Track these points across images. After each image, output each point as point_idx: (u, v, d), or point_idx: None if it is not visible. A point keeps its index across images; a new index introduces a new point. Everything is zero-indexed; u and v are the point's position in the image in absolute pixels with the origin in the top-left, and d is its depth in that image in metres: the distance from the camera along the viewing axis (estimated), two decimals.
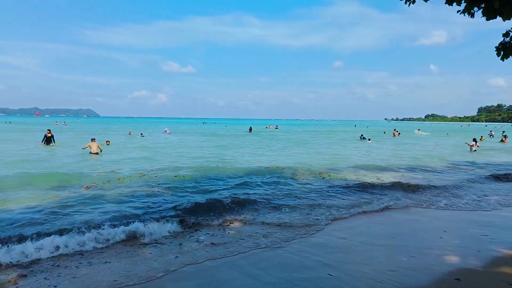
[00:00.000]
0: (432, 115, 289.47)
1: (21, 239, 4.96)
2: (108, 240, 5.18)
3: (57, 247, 4.76)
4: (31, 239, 4.90)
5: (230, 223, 6.24)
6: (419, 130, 50.09)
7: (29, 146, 20.49)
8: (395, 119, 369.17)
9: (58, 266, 4.36)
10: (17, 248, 4.61)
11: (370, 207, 7.56)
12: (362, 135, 33.85)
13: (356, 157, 17.46)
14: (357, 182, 10.10)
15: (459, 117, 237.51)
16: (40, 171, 11.20)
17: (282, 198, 8.22)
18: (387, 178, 11.11)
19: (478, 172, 13.00)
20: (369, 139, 31.14)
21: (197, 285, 3.91)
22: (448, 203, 8.08)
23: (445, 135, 44.33)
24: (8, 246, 4.63)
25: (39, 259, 4.49)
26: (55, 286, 3.82)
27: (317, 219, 6.57)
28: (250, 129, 49.90)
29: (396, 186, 9.64)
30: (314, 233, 5.76)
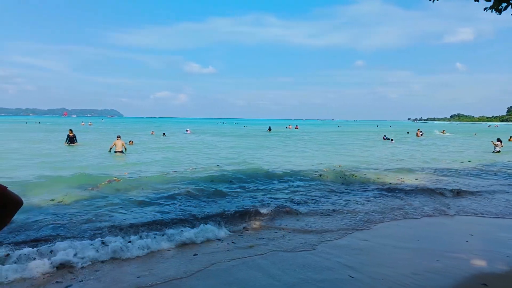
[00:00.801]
0: (458, 115, 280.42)
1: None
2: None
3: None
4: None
5: (254, 226, 6.22)
6: (443, 130, 48.49)
7: (55, 145, 21.19)
8: (418, 119, 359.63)
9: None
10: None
11: (401, 213, 7.28)
12: (385, 135, 33.21)
13: (382, 159, 16.97)
14: (387, 186, 9.82)
15: (487, 117, 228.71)
16: (72, 171, 11.54)
17: (309, 202, 8.08)
18: (413, 180, 10.80)
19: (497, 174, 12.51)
20: (391, 139, 30.57)
21: (218, 284, 3.96)
22: (474, 207, 7.80)
23: (472, 136, 42.78)
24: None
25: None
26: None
27: (346, 225, 6.50)
28: (269, 129, 50.01)
29: (422, 189, 9.34)
30: (339, 238, 5.67)
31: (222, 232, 5.70)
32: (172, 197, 8.03)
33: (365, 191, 9.30)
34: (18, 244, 4.89)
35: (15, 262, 4.24)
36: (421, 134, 37.99)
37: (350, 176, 11.16)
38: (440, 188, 9.52)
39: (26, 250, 4.56)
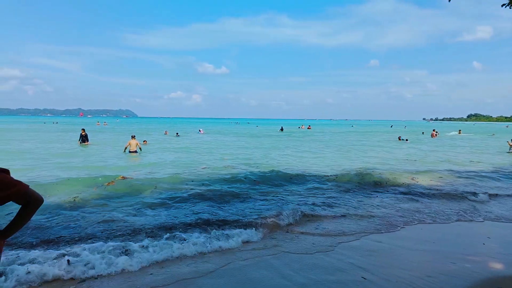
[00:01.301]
0: (475, 115, 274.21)
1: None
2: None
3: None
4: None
5: (267, 227, 6.22)
6: (460, 130, 47.42)
7: (71, 145, 21.68)
8: (434, 119, 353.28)
9: None
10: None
11: (416, 215, 7.12)
12: (400, 136, 32.77)
13: (397, 160, 16.64)
14: (403, 188, 9.66)
15: (506, 117, 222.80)
16: (87, 171, 11.76)
17: (323, 204, 8.00)
18: (429, 182, 10.60)
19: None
20: (406, 139, 30.19)
21: (230, 283, 4.00)
22: (491, 210, 7.62)
23: (490, 136, 41.74)
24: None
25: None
26: None
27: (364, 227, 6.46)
28: (281, 129, 50.03)
29: (438, 192, 9.16)
30: (353, 239, 5.63)
31: (244, 235, 5.70)
32: (187, 199, 7.95)
33: (381, 192, 9.17)
34: (47, 243, 5.05)
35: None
36: (437, 135, 37.28)
37: (365, 177, 10.91)
38: (456, 190, 9.35)
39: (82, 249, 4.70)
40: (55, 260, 4.26)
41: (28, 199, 1.96)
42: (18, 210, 1.99)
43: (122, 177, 9.53)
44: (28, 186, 1.98)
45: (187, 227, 5.88)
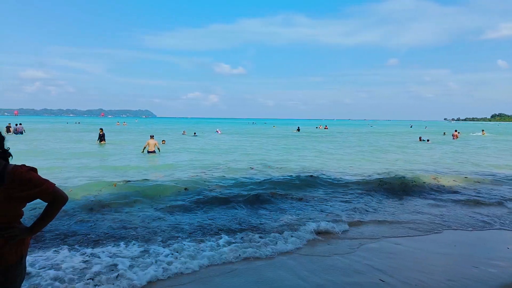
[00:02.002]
0: (500, 115, 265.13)
1: None
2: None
3: None
4: None
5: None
6: (483, 131, 45.87)
7: (92, 145, 22.19)
8: (456, 119, 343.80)
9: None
10: None
11: (439, 219, 6.95)
12: (421, 136, 32.03)
13: (420, 162, 16.01)
14: (428, 191, 9.34)
15: None
16: (108, 173, 11.98)
17: (344, 207, 7.99)
18: (452, 184, 10.24)
19: None
20: (427, 140, 29.52)
21: (246, 283, 4.02)
22: None
23: None
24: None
25: None
26: None
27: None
28: (298, 129, 49.70)
29: (462, 196, 8.84)
30: (371, 242, 5.56)
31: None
32: (209, 202, 7.69)
33: (403, 196, 8.83)
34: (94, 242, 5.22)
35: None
36: (459, 135, 36.17)
37: (388, 180, 10.46)
38: (483, 195, 9.00)
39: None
40: None
41: (54, 197, 2.04)
42: (44, 208, 2.06)
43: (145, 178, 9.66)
44: (54, 184, 2.05)
45: (230, 231, 5.81)
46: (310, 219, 6.47)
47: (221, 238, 5.35)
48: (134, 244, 5.02)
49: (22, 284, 2.09)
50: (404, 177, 10.97)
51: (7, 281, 1.91)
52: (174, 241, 5.19)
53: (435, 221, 6.65)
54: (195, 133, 37.06)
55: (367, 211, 7.39)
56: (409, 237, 5.75)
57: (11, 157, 2.05)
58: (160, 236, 5.47)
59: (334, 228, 5.97)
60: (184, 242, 5.10)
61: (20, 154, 13.65)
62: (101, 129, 23.05)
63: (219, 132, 42.01)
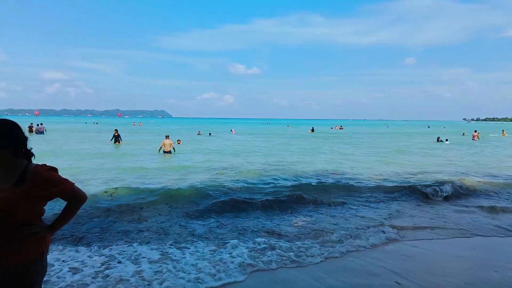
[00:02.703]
0: None
1: None
2: None
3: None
4: None
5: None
6: (503, 131, 44.38)
7: (111, 145, 22.57)
8: (475, 119, 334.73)
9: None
10: None
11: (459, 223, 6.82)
12: (439, 137, 31.33)
13: (441, 164, 15.33)
14: (450, 197, 8.91)
15: None
16: (124, 174, 12.15)
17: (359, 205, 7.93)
18: (478, 189, 9.82)
19: None
20: (446, 140, 28.89)
21: (261, 283, 4.04)
22: None
23: None
24: None
25: None
26: None
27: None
28: (312, 130, 49.27)
29: (489, 202, 8.40)
30: (386, 244, 5.49)
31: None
32: (237, 206, 7.41)
33: (424, 200, 8.53)
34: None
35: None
36: (478, 136, 35.17)
37: (412, 183, 10.06)
38: (506, 199, 8.76)
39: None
40: None
41: (73, 196, 2.10)
42: (64, 206, 2.12)
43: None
44: (74, 184, 2.11)
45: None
46: (343, 227, 6.43)
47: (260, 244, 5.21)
48: (149, 245, 5.07)
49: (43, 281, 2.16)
50: (425, 180, 10.66)
51: (28, 278, 1.97)
52: (190, 244, 5.20)
53: (456, 226, 6.47)
54: (210, 133, 37.39)
55: (392, 215, 7.14)
56: (427, 240, 5.65)
57: (33, 156, 2.12)
58: (171, 237, 5.50)
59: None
60: (199, 246, 5.07)
61: (42, 154, 13.98)
62: (116, 130, 23.47)
63: (234, 132, 42.17)
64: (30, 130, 30.31)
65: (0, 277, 1.92)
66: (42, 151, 16.49)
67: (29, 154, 2.08)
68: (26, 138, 2.06)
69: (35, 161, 2.12)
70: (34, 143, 2.14)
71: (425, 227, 6.32)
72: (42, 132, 30.87)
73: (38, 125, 31.60)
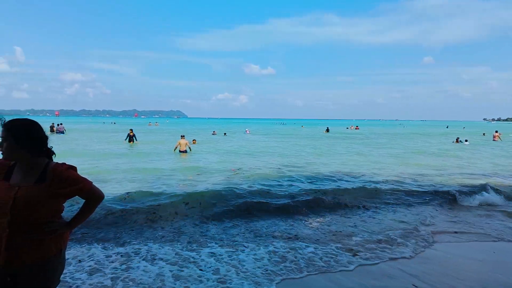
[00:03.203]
0: None
1: None
2: None
3: None
4: None
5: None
6: None
7: (126, 145, 22.96)
8: (496, 119, 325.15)
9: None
10: None
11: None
12: (458, 137, 30.57)
13: (461, 166, 14.96)
14: (475, 201, 8.43)
15: None
16: (139, 175, 12.25)
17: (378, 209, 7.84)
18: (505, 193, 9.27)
19: None
20: (466, 140, 28.17)
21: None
22: None
23: None
24: None
25: None
26: None
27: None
28: (327, 130, 48.80)
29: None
30: (402, 246, 5.40)
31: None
32: (240, 208, 7.22)
33: (448, 204, 8.22)
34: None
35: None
36: (499, 137, 34.08)
37: (432, 187, 9.74)
38: None
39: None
40: None
41: (91, 195, 2.15)
42: (82, 204, 2.18)
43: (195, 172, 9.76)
44: (92, 182, 2.16)
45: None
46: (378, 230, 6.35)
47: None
48: (166, 246, 5.09)
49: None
50: (448, 182, 10.38)
51: (46, 274, 2.02)
52: (203, 247, 5.20)
53: (481, 230, 6.25)
54: (225, 133, 37.60)
55: (414, 218, 6.89)
56: (447, 243, 5.52)
57: (54, 155, 2.18)
58: (186, 238, 5.48)
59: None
60: (216, 249, 5.00)
61: (61, 154, 14.15)
62: (131, 130, 23.90)
63: (248, 133, 42.26)
64: (52, 130, 31.17)
65: (19, 273, 1.97)
66: (61, 151, 16.80)
67: (50, 153, 2.14)
68: (46, 137, 2.11)
69: (55, 159, 2.18)
70: (54, 142, 2.19)
71: (448, 231, 6.14)
72: (62, 132, 31.69)
73: (58, 125, 32.46)
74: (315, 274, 4.27)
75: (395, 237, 5.62)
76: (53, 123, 33.18)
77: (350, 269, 4.42)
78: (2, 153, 2.00)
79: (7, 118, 2.05)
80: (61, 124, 33.16)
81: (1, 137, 1.96)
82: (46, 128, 2.21)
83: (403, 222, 6.63)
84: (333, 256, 4.79)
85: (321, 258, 4.70)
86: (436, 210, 7.67)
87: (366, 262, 4.64)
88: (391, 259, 4.73)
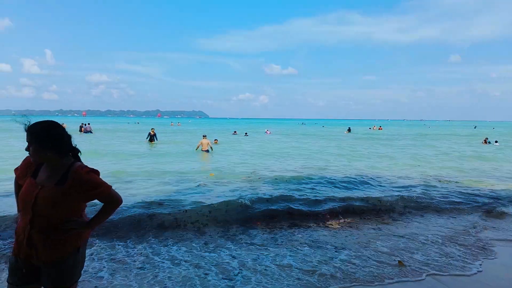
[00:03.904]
0: None
1: None
2: None
3: None
4: None
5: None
6: None
7: (149, 145, 23.26)
8: None
9: None
10: None
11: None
12: (487, 138, 29.33)
13: (493, 169, 14.16)
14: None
15: None
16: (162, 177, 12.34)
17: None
18: None
19: None
20: (496, 141, 27.04)
21: None
22: None
23: None
24: None
25: None
26: None
27: None
28: (349, 130, 47.93)
29: None
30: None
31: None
32: (264, 213, 6.90)
33: (486, 210, 7.57)
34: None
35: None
36: None
37: (470, 194, 9.06)
38: None
39: None
40: None
41: (109, 200, 2.17)
42: (101, 207, 2.22)
43: (212, 173, 9.73)
44: (111, 187, 2.18)
45: None
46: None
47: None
48: (188, 247, 5.09)
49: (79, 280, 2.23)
50: (486, 188, 9.73)
51: (64, 272, 2.07)
52: (228, 250, 5.21)
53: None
54: (246, 133, 37.70)
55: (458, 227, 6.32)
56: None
57: (80, 153, 2.23)
58: (209, 240, 5.43)
59: None
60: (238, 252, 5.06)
61: (87, 154, 14.50)
62: (153, 129, 24.36)
63: (269, 133, 42.17)
64: (81, 130, 32.24)
65: (38, 271, 2.05)
66: (86, 150, 17.05)
67: (76, 151, 2.19)
68: (69, 137, 2.15)
69: (81, 158, 2.23)
70: (82, 142, 2.22)
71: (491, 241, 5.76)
72: (90, 132, 32.68)
73: (85, 125, 33.51)
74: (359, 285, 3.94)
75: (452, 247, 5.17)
76: (82, 123, 34.28)
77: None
78: (31, 156, 2.08)
79: (38, 119, 2.14)
80: (88, 124, 34.20)
81: (27, 141, 2.04)
82: (75, 128, 2.24)
83: (452, 229, 6.18)
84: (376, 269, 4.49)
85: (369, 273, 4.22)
86: (483, 219, 6.96)
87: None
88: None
